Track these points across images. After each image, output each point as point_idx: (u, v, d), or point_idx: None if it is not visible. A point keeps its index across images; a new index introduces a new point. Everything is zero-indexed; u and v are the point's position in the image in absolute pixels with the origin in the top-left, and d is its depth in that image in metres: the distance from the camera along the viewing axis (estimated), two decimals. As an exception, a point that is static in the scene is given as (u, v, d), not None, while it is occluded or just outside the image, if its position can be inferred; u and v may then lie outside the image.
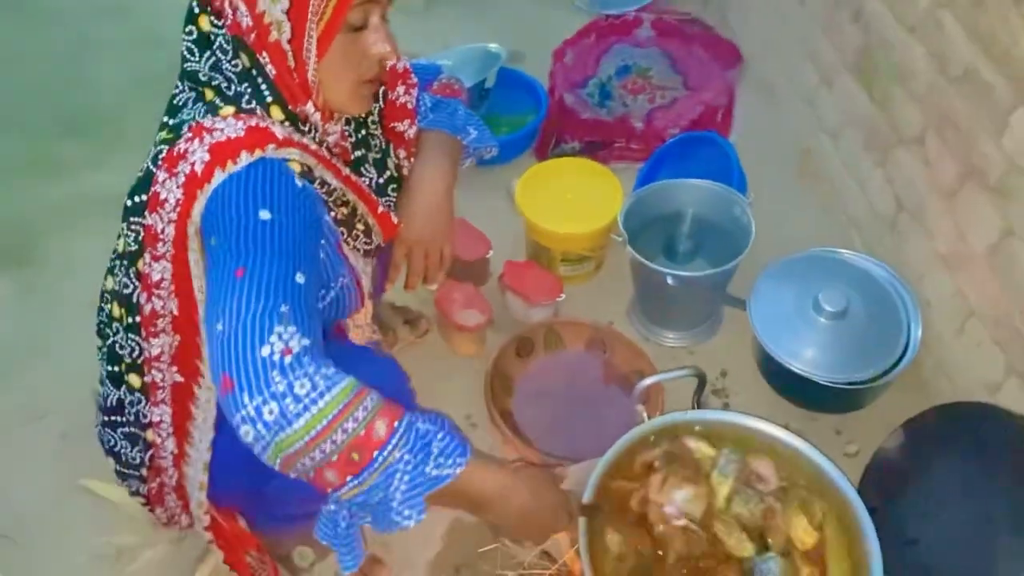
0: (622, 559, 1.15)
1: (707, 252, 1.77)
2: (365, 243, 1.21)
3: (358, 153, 1.21)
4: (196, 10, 1.03)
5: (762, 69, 2.23)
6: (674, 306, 1.73)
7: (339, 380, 0.87)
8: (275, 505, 1.30)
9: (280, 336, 0.86)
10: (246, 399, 0.84)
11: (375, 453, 0.87)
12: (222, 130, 0.97)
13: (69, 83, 2.48)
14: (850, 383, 1.51)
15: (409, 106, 1.31)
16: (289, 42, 1.00)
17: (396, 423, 0.89)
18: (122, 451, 1.24)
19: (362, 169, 1.22)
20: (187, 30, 1.04)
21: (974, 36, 1.35)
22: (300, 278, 0.92)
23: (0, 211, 2.11)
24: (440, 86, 1.42)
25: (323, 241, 1.10)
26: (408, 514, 0.91)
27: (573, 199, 1.81)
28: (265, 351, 0.84)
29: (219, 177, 0.95)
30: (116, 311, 1.13)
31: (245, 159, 0.95)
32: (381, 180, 1.27)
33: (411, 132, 1.31)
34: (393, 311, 1.77)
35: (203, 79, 1.04)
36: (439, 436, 0.93)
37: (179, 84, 1.07)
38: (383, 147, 1.28)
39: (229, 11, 1.01)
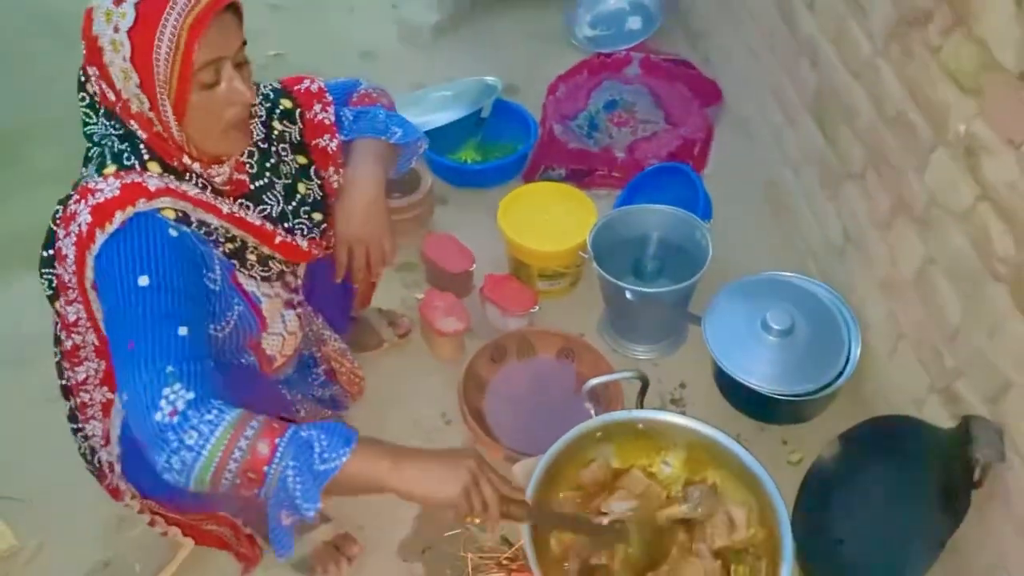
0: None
1: (671, 273, 1.92)
2: (262, 271, 1.32)
3: (260, 183, 1.30)
4: (83, 78, 1.16)
5: (739, 107, 2.39)
6: (639, 321, 1.88)
7: (220, 422, 1.03)
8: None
9: (167, 399, 1.02)
10: (156, 457, 1.02)
11: (264, 469, 1.03)
12: (102, 191, 1.10)
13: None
14: (793, 395, 1.64)
15: (327, 122, 1.40)
16: (150, 110, 1.11)
17: (277, 439, 1.04)
18: (84, 453, 1.41)
19: (264, 197, 1.30)
20: (80, 96, 1.17)
21: (904, 82, 1.50)
22: (183, 331, 1.07)
23: (35, 217, 2.27)
24: (359, 97, 1.49)
25: (212, 274, 1.20)
26: (308, 507, 1.05)
27: (551, 220, 1.97)
28: (157, 416, 1.02)
29: (100, 238, 1.08)
30: (54, 336, 1.30)
31: (119, 218, 1.08)
32: (290, 206, 1.34)
33: (332, 146, 1.41)
34: (379, 314, 1.92)
35: (96, 139, 1.18)
36: (320, 438, 1.05)
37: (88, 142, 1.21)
38: (294, 171, 1.37)
39: (97, 87, 1.13)
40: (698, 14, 2.69)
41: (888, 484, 1.48)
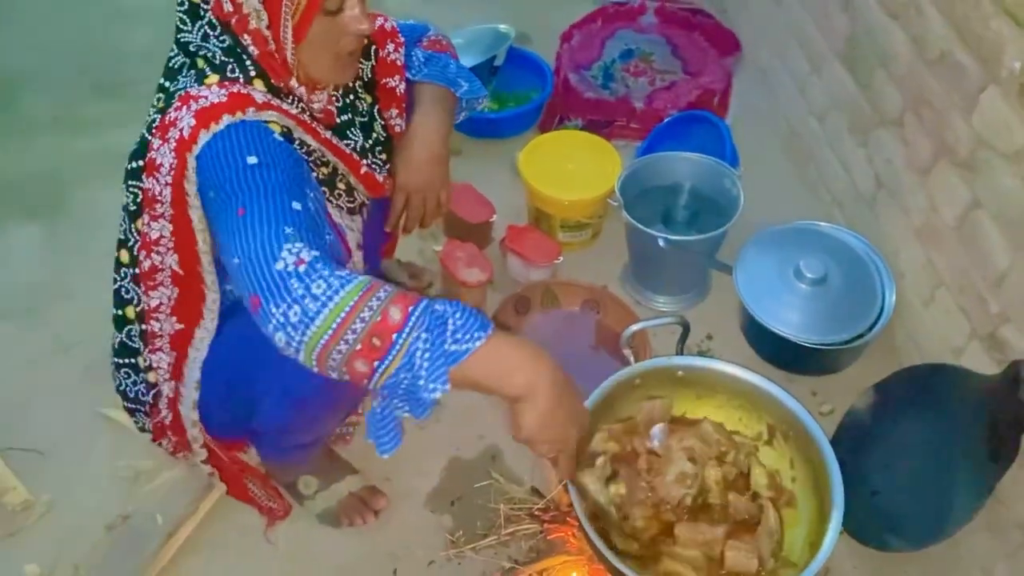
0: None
1: (700, 222, 1.87)
2: (348, 201, 1.30)
3: (344, 117, 1.28)
4: None
5: (758, 56, 2.34)
6: (665, 271, 1.84)
7: (352, 278, 0.92)
8: (269, 438, 1.42)
9: (290, 251, 0.93)
10: (272, 308, 0.91)
11: (394, 336, 0.90)
12: (207, 97, 1.05)
13: (99, 48, 2.59)
14: (825, 344, 1.61)
15: (398, 62, 1.38)
16: (268, 28, 1.08)
17: (411, 308, 0.91)
18: (128, 390, 1.34)
19: (348, 132, 1.29)
20: (179, 1, 1.12)
21: (950, 20, 1.45)
22: (297, 205, 1.00)
23: (31, 164, 2.22)
24: (430, 42, 1.48)
25: (313, 193, 1.13)
26: (433, 387, 0.92)
27: (574, 169, 1.91)
28: (279, 265, 0.92)
29: (204, 138, 1.03)
30: (124, 257, 1.22)
31: (226, 120, 1.04)
32: (368, 143, 1.33)
33: (401, 87, 1.38)
34: (399, 266, 1.87)
35: (193, 49, 1.12)
36: (456, 315, 0.93)
37: (174, 49, 1.14)
38: (368, 110, 1.35)
39: None
40: (713, -38, 2.63)
41: (928, 433, 1.46)
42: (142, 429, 1.40)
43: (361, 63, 1.34)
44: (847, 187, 1.90)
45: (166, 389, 1.29)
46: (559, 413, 0.99)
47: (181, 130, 1.04)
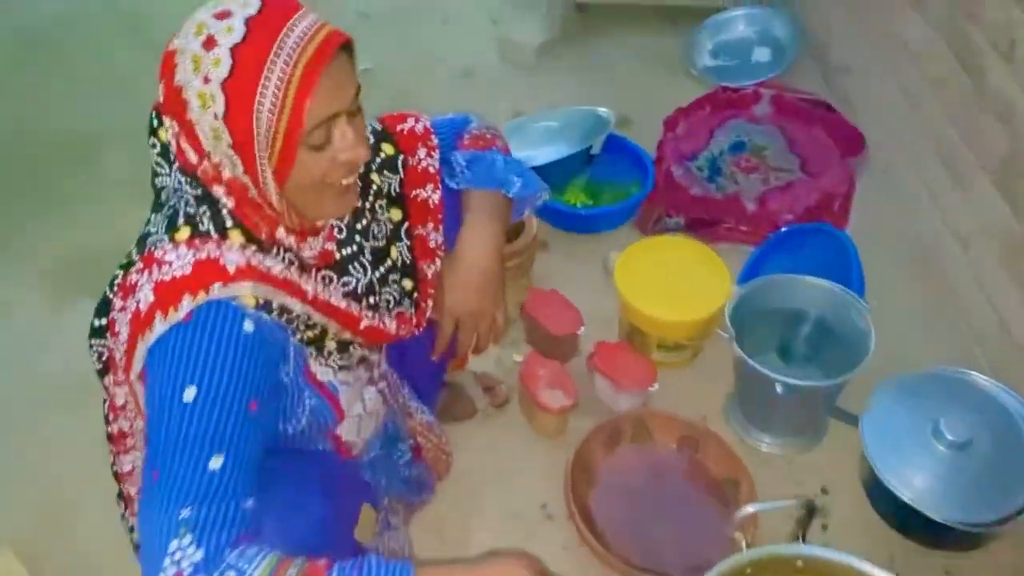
0: None
1: (822, 357, 1.65)
2: (340, 359, 1.11)
3: (347, 250, 1.11)
4: (155, 122, 0.96)
5: (886, 160, 2.10)
6: (778, 411, 1.61)
7: None
8: None
9: (172, 556, 0.84)
10: None
11: None
12: (170, 264, 0.92)
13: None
14: (965, 524, 1.37)
15: (431, 170, 1.22)
16: (245, 174, 0.92)
17: None
18: (136, 545, 1.23)
19: (350, 268, 1.11)
20: (151, 142, 0.97)
21: None
22: (216, 462, 0.88)
23: (101, 232, 2.14)
24: (471, 139, 1.29)
25: (286, 367, 1.01)
26: None
27: (676, 282, 1.71)
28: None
29: (159, 328, 0.90)
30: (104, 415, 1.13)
31: (186, 306, 0.90)
32: (378, 273, 1.15)
33: (435, 197, 1.22)
34: (474, 379, 1.71)
35: (165, 197, 0.97)
36: None
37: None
38: (387, 232, 1.18)
39: (174, 143, 0.94)
40: (839, 48, 2.41)
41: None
42: None
43: (388, 178, 1.18)
44: (995, 327, 1.65)
45: None
46: None
47: (138, 302, 0.93)
